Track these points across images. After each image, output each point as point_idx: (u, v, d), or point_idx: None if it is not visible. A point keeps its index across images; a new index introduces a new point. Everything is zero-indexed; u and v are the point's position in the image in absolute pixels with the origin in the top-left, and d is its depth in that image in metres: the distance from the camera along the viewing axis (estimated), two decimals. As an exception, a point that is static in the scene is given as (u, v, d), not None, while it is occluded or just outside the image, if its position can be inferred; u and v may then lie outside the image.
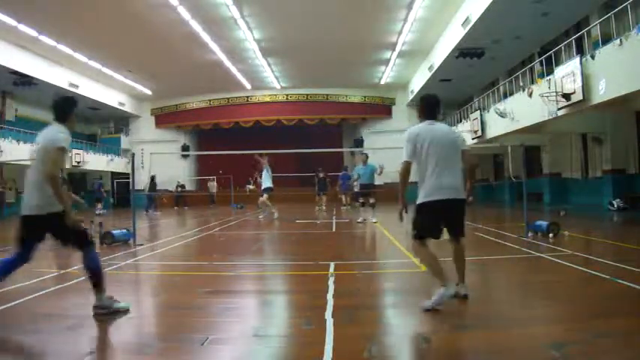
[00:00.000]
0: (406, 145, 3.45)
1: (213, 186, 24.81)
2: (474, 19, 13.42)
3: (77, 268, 5.38)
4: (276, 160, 23.02)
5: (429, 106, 3.65)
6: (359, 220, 10.54)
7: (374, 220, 10.21)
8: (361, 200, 10.78)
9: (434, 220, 3.40)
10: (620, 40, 8.73)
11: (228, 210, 18.82)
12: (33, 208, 3.21)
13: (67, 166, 21.10)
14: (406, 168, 3.46)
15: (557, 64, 11.23)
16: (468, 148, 3.69)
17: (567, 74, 10.26)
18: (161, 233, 10.25)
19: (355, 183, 12.03)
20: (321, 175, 17.74)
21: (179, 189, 23.96)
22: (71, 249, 3.45)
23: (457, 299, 3.46)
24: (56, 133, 3.28)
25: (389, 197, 23.85)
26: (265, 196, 12.65)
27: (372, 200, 10.43)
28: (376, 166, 10.52)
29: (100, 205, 18.06)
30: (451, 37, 15.83)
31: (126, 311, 3.36)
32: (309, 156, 24.28)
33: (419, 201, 3.42)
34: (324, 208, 16.88)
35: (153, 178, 19.35)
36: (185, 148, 26.77)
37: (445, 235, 3.52)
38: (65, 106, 3.53)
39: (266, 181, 12.70)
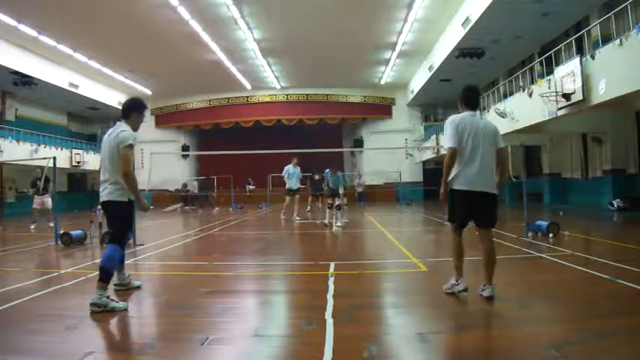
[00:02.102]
0: (451, 132, 3.49)
1: (194, 186, 24.71)
2: (474, 19, 13.42)
3: (77, 269, 5.39)
4: (276, 160, 23.07)
5: (472, 96, 3.72)
6: (326, 223, 10.21)
7: (333, 223, 9.96)
8: (329, 202, 10.41)
9: (465, 208, 3.54)
10: (620, 40, 8.73)
11: (225, 211, 18.80)
12: (103, 196, 3.75)
13: (67, 165, 21.11)
14: (453, 154, 3.48)
15: (557, 64, 11.23)
16: (504, 145, 3.72)
17: (567, 74, 10.26)
18: (161, 233, 10.25)
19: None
20: (317, 177, 17.71)
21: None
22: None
23: (454, 298, 3.49)
24: (120, 132, 3.69)
25: (388, 197, 24.05)
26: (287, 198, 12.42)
27: (338, 202, 10.17)
28: (343, 182, 10.50)
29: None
30: (451, 37, 15.83)
31: (123, 311, 3.40)
32: (309, 156, 24.34)
33: (455, 187, 3.53)
34: (321, 208, 16.82)
35: (207, 177, 21.49)
36: (185, 148, 26.79)
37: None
38: (130, 106, 3.87)
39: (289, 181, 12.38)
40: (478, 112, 3.78)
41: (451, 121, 3.56)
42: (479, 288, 3.59)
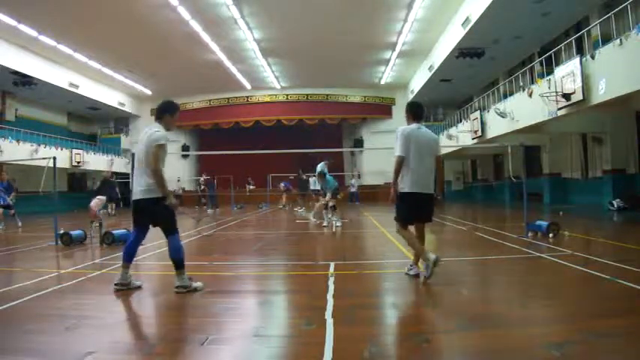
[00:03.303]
0: (400, 142, 4.08)
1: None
2: (474, 19, 13.43)
3: (77, 269, 5.39)
4: (276, 160, 23.09)
5: (419, 111, 4.33)
6: (325, 224, 10.12)
7: (334, 223, 9.85)
8: (323, 202, 10.34)
9: (411, 208, 4.17)
10: (620, 40, 8.73)
11: (226, 211, 18.79)
12: (137, 194, 3.92)
13: (67, 165, 21.10)
14: (401, 162, 4.08)
15: (557, 64, 11.22)
16: (440, 154, 4.36)
17: (567, 74, 10.25)
18: (161, 233, 10.24)
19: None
20: (304, 177, 17.78)
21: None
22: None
23: (454, 298, 3.47)
24: (154, 132, 3.92)
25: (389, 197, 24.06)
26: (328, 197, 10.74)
27: (331, 203, 10.04)
28: (334, 184, 10.23)
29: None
30: (451, 37, 15.84)
31: (200, 290, 3.90)
32: (309, 156, 24.39)
33: (403, 190, 4.13)
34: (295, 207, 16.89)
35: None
36: (185, 148, 26.80)
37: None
38: (162, 108, 4.10)
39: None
40: (422, 123, 4.33)
41: (402, 132, 4.12)
42: (406, 268, 4.39)
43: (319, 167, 10.57)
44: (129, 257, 4.03)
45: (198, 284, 3.92)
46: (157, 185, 3.85)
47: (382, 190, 24.83)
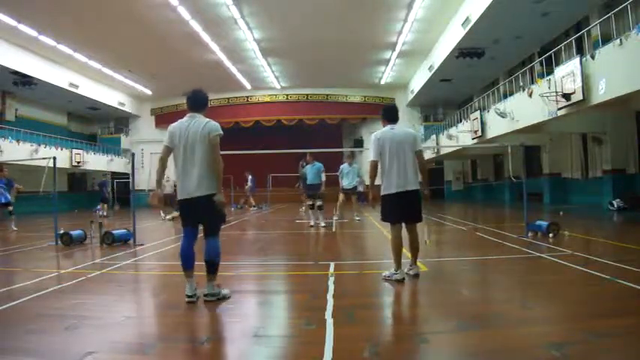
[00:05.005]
0: (373, 147, 4.24)
1: (169, 185, 24.28)
2: (474, 19, 13.42)
3: (77, 269, 5.38)
4: (276, 160, 23.05)
5: (389, 113, 4.43)
6: (311, 224, 10.01)
7: (322, 224, 9.78)
8: (309, 202, 10.18)
9: (395, 208, 4.18)
10: (620, 40, 8.72)
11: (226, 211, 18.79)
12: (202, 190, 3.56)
13: (67, 165, 21.08)
14: (374, 166, 4.27)
15: (557, 64, 11.21)
16: (420, 149, 4.34)
17: (567, 74, 10.24)
18: (161, 233, 10.24)
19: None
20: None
21: None
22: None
23: (454, 298, 3.47)
24: (209, 121, 3.70)
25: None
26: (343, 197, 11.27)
27: (318, 202, 9.81)
28: (322, 166, 9.97)
29: (105, 206, 16.24)
30: (451, 37, 15.83)
31: (228, 298, 3.64)
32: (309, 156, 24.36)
33: (383, 193, 4.20)
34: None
35: None
36: (185, 148, 26.75)
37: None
38: (205, 101, 3.94)
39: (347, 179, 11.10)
40: (397, 124, 4.39)
41: (374, 137, 4.27)
42: (406, 269, 4.25)
43: (340, 169, 10.72)
44: (189, 263, 3.59)
45: (226, 291, 3.67)
46: (218, 179, 3.60)
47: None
